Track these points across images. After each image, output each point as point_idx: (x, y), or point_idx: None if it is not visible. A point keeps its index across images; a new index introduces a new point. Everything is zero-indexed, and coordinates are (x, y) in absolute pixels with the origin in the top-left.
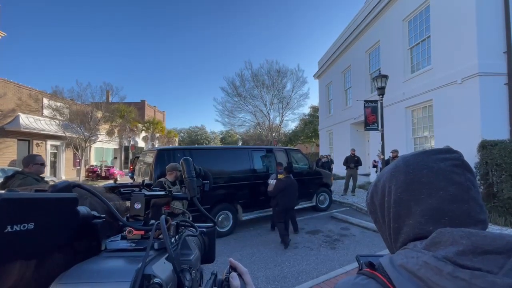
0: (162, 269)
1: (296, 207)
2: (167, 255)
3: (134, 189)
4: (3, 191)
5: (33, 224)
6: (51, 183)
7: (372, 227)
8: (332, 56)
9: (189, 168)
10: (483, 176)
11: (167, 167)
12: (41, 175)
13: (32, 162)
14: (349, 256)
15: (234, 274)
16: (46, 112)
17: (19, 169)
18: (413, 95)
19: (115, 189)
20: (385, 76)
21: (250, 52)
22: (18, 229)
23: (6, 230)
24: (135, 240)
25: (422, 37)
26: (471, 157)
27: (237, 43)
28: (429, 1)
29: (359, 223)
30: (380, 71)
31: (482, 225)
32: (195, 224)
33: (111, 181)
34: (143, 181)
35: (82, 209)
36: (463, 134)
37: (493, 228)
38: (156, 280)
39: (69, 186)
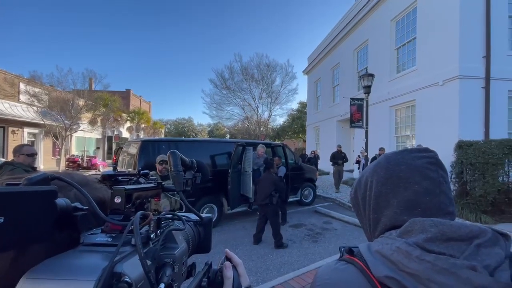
0: (135, 266)
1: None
2: (146, 250)
3: (132, 177)
4: None
5: (2, 218)
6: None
7: (353, 221)
8: (321, 52)
9: (176, 162)
10: (458, 174)
11: (157, 158)
12: (33, 166)
13: (19, 153)
14: (330, 249)
15: (227, 263)
16: (23, 98)
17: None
18: (398, 94)
19: (112, 177)
20: (372, 75)
21: (240, 44)
22: None
23: None
24: (113, 235)
25: (409, 38)
26: (448, 156)
27: (227, 35)
28: (417, 3)
29: (341, 217)
30: (367, 69)
31: (450, 216)
32: (186, 215)
33: (92, 171)
34: (139, 170)
35: (61, 201)
36: (442, 134)
37: None
38: (125, 278)
39: (46, 179)
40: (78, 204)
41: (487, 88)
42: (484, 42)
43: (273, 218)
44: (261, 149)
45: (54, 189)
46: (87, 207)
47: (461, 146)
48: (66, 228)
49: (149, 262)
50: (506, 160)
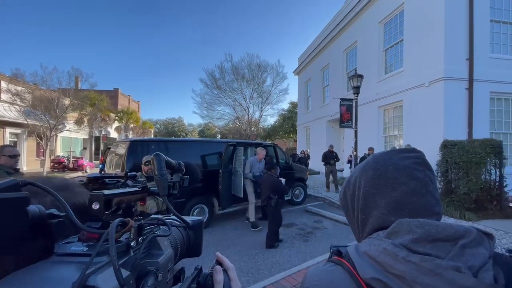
0: (110, 278)
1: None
2: (125, 259)
3: (119, 179)
4: None
5: None
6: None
7: (343, 220)
8: (312, 53)
9: (160, 165)
10: (444, 173)
11: (143, 159)
12: (16, 168)
13: (0, 154)
14: (320, 248)
15: (218, 268)
16: (4, 96)
17: None
18: (386, 95)
19: (99, 180)
20: (361, 76)
21: (231, 44)
22: None
23: None
24: (90, 244)
25: (396, 40)
26: (434, 156)
27: (218, 34)
28: (404, 6)
29: (332, 216)
30: (356, 70)
31: (436, 216)
32: (173, 219)
33: (79, 173)
34: (127, 172)
35: (34, 208)
36: (428, 133)
37: (449, 221)
38: None
39: (16, 185)
40: (54, 211)
41: (470, 89)
42: (468, 45)
43: (271, 220)
44: (261, 152)
45: (26, 195)
46: (64, 213)
47: (446, 146)
48: (39, 237)
49: (127, 272)
50: (488, 159)
